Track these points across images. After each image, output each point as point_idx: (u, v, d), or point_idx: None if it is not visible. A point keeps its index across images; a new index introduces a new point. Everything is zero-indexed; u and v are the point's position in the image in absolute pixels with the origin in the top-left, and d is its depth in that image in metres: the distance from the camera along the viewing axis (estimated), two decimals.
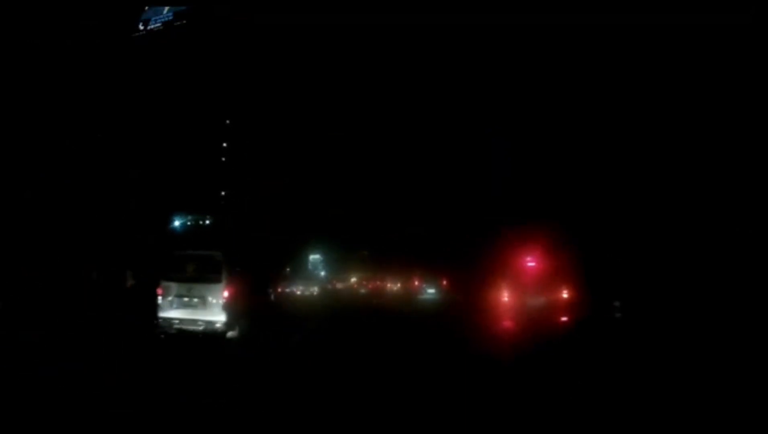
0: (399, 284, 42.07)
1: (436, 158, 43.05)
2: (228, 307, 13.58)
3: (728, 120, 19.47)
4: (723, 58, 19.34)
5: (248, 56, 51.75)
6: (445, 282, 35.84)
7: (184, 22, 55.28)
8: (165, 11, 57.59)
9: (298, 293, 37.08)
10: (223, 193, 55.31)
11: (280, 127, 51.53)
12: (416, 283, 37.71)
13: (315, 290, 38.40)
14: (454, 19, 34.77)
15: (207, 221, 53.85)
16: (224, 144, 54.80)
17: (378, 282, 46.32)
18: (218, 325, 13.49)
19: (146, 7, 57.53)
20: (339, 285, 44.63)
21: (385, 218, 44.93)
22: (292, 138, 50.94)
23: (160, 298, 13.87)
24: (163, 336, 13.64)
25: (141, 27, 57.21)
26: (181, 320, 13.58)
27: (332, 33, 47.65)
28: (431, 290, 35.42)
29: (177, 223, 53.06)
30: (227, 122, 54.69)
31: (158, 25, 57.36)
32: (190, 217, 54.00)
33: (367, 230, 46.50)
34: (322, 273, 50.28)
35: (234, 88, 52.83)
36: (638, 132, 22.33)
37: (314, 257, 51.94)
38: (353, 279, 46.02)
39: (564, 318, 16.66)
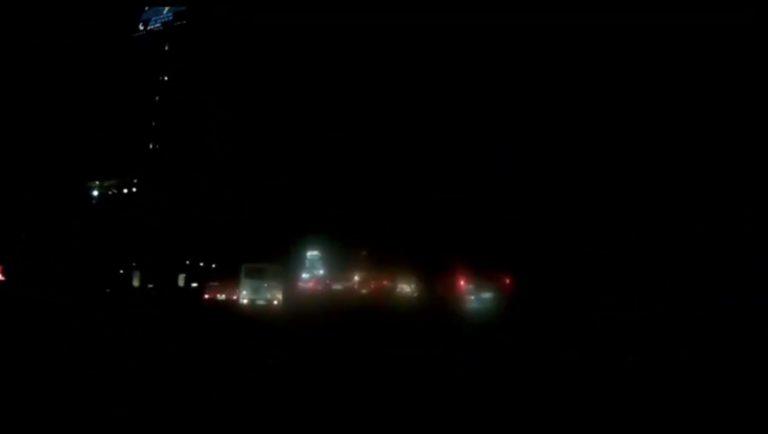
0: (413, 285, 33.24)
1: (436, 158, 43.06)
2: None
3: (728, 119, 19.51)
4: (723, 58, 19.40)
5: (248, 56, 51.75)
6: (507, 281, 24.82)
7: (184, 22, 55.46)
8: (165, 11, 57.84)
9: (245, 302, 22.24)
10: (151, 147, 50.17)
11: (280, 127, 51.51)
12: (461, 283, 24.92)
13: (277, 298, 22.99)
14: (454, 19, 34.87)
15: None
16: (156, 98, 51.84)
17: (385, 282, 36.12)
18: None
19: (146, 7, 57.85)
20: (338, 286, 41.69)
21: (384, 217, 44.87)
22: (292, 138, 50.86)
23: None
24: None
25: (141, 27, 57.50)
26: None
27: (332, 33, 47.66)
28: (486, 295, 22.84)
29: (95, 193, 47.06)
30: (165, 49, 52.67)
31: (158, 25, 57.62)
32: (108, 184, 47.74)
33: (368, 229, 46.36)
34: (321, 271, 49.07)
35: (232, 87, 52.87)
36: (638, 131, 22.36)
37: (312, 253, 50.50)
38: (356, 278, 42.66)
39: None
